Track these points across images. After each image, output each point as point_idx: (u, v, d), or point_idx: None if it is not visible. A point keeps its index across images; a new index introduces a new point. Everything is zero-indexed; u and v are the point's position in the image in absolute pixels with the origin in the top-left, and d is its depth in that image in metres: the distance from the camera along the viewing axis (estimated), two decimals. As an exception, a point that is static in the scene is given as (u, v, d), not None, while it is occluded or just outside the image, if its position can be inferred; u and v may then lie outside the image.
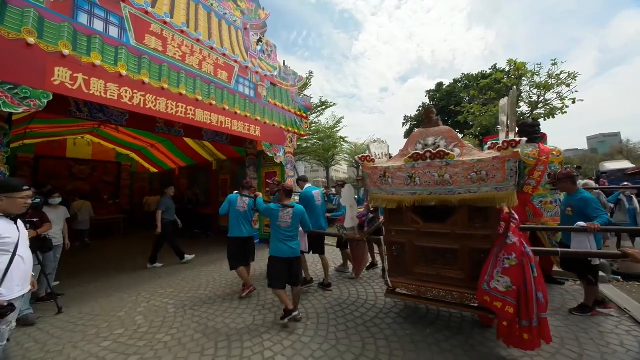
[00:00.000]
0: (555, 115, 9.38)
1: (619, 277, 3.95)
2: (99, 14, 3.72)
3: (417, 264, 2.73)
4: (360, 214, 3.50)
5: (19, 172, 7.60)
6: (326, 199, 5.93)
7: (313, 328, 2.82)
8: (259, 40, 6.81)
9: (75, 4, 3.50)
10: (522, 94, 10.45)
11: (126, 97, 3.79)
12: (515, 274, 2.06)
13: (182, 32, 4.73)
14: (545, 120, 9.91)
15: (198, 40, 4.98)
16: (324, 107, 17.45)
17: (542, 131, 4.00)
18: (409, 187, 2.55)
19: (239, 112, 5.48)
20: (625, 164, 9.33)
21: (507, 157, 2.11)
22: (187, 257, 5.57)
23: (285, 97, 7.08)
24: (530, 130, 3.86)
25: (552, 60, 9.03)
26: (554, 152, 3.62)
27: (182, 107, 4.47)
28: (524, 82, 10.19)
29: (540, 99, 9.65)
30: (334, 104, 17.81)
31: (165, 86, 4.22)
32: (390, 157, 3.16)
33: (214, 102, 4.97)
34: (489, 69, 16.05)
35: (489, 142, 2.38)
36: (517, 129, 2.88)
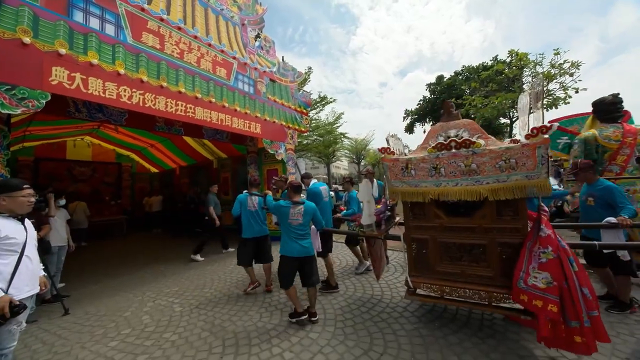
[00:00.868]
0: (558, 106, 9.29)
1: None
2: (94, 12, 3.67)
3: (440, 261, 2.57)
4: (377, 211, 3.35)
5: (20, 174, 7.58)
6: (333, 196, 5.83)
7: (320, 324, 2.81)
8: (257, 36, 6.74)
9: (70, 2, 3.45)
10: (523, 85, 10.33)
11: (125, 96, 3.75)
12: (554, 268, 1.91)
13: (180, 29, 4.67)
14: (547, 111, 9.83)
15: (196, 37, 4.92)
16: (324, 103, 17.35)
17: (624, 108, 3.52)
18: (434, 178, 2.43)
19: (238, 109, 5.43)
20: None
21: (537, 144, 2.02)
22: (198, 258, 5.59)
23: (285, 93, 7.02)
24: (611, 109, 3.40)
25: (554, 49, 8.91)
26: None
27: (181, 105, 4.43)
28: (526, 73, 10.07)
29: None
30: (334, 100, 17.71)
31: (164, 84, 4.17)
32: (405, 154, 3.06)
33: (213, 100, 4.92)
34: (490, 61, 15.87)
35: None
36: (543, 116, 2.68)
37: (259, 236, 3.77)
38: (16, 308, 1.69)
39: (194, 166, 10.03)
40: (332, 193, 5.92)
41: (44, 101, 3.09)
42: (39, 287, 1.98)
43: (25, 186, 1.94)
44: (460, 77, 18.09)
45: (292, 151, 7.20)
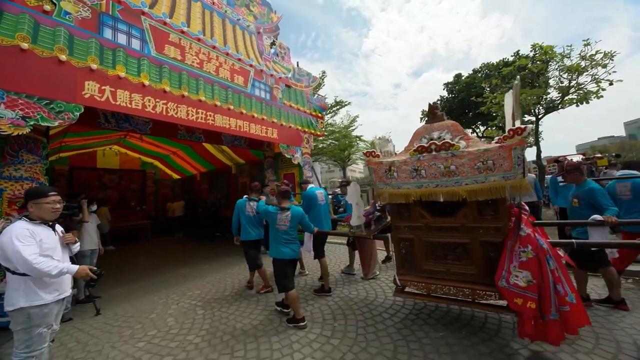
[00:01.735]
0: (589, 101, 8.66)
1: None
2: (122, 28, 3.89)
3: (426, 260, 2.68)
4: (366, 212, 3.48)
5: (56, 182, 8.15)
6: (333, 200, 5.93)
7: (341, 329, 2.75)
8: (272, 43, 6.87)
9: (100, 20, 3.68)
10: (549, 80, 9.77)
11: (149, 106, 3.93)
12: (533, 267, 2.00)
13: (199, 40, 4.85)
14: (577, 106, 9.20)
15: (214, 47, 5.09)
16: (338, 107, 17.36)
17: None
18: (415, 180, 2.53)
19: (256, 115, 5.54)
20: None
21: (513, 145, 2.07)
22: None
23: (300, 98, 7.09)
24: None
25: (584, 40, 8.34)
26: None
27: (201, 113, 4.58)
28: (552, 67, 9.51)
29: (571, 84, 8.95)
30: (349, 103, 17.67)
31: (185, 93, 4.33)
32: (395, 154, 3.10)
33: (231, 107, 5.06)
34: (511, 56, 15.19)
35: (496, 138, 2.29)
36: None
37: (258, 239, 3.95)
38: (97, 272, 2.01)
39: (214, 172, 10.34)
40: (331, 197, 6.04)
41: (78, 113, 3.30)
42: (69, 291, 2.08)
43: (51, 193, 1.99)
44: (480, 75, 17.45)
45: (308, 155, 7.22)
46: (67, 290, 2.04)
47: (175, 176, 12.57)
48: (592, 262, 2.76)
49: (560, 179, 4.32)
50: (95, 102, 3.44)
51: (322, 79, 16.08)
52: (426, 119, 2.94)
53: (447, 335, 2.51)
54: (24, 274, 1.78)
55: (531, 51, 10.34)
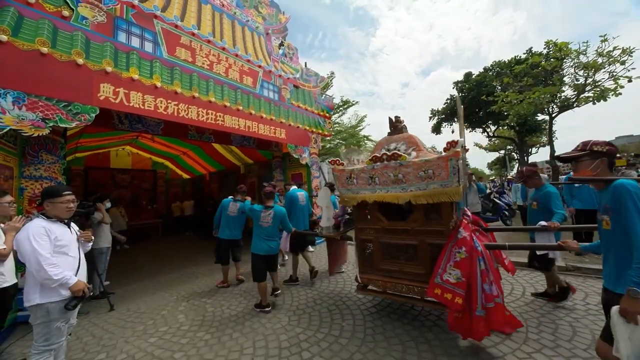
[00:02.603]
0: (607, 98, 8.34)
1: None
2: (135, 32, 4.00)
3: (382, 260, 2.91)
4: (335, 215, 3.76)
5: (73, 182, 8.43)
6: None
7: (349, 329, 2.75)
8: (281, 44, 6.92)
9: (115, 24, 3.79)
10: (564, 78, 9.46)
11: (161, 107, 4.03)
12: (465, 266, 2.21)
13: (209, 41, 4.93)
14: (594, 104, 8.87)
15: (224, 49, 5.16)
16: (346, 107, 17.31)
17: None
18: (370, 186, 2.80)
19: (264, 115, 5.59)
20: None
21: (449, 156, 2.29)
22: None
23: (308, 99, 7.11)
24: None
25: (601, 36, 8.04)
26: None
27: (211, 113, 4.66)
28: (567, 64, 9.20)
29: (588, 81, 8.64)
30: (357, 103, 17.58)
31: (196, 95, 4.42)
32: (359, 162, 3.38)
33: (240, 108, 5.12)
34: (524, 54, 14.80)
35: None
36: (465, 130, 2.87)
37: (230, 239, 4.22)
38: (90, 292, 1.95)
39: (223, 172, 10.48)
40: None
41: (94, 115, 3.41)
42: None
43: (65, 192, 2.04)
44: (491, 73, 17.06)
45: (316, 155, 7.24)
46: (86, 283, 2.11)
47: (185, 176, 12.80)
48: (545, 263, 3.01)
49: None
50: (110, 103, 3.55)
51: (330, 80, 16.07)
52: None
53: (457, 337, 2.47)
54: None
55: (545, 48, 10.04)
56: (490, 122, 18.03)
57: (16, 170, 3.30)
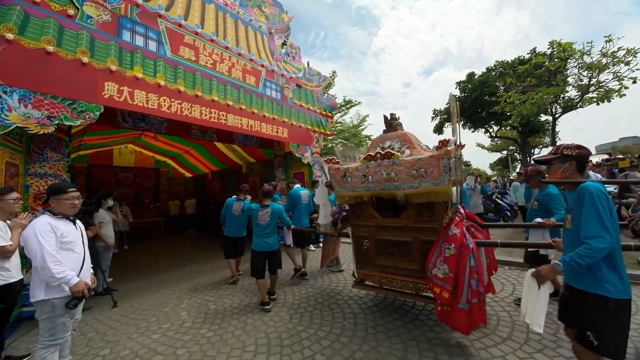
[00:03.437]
0: (611, 99, 8.30)
1: None
2: (139, 31, 4.02)
3: (377, 256, 2.96)
4: (332, 212, 3.82)
5: (76, 180, 8.48)
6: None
7: (351, 328, 2.77)
8: (284, 43, 6.93)
9: (119, 23, 3.81)
10: (567, 78, 9.42)
11: (165, 105, 4.05)
12: (453, 262, 2.26)
13: (212, 41, 4.95)
14: (598, 104, 8.83)
15: (227, 48, 5.18)
16: (348, 106, 17.31)
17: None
18: (364, 184, 2.82)
19: (267, 115, 5.61)
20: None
21: (440, 155, 2.32)
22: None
23: (311, 98, 7.12)
24: None
25: (605, 36, 8.00)
26: None
27: (214, 112, 4.68)
28: (571, 64, 9.17)
29: (592, 82, 8.60)
30: (359, 103, 17.59)
31: (199, 94, 4.43)
32: (356, 159, 3.38)
33: (243, 107, 5.13)
34: (527, 54, 14.74)
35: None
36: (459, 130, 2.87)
37: (236, 236, 4.36)
38: (90, 291, 2.00)
39: (225, 171, 10.51)
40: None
41: (98, 113, 3.44)
42: (89, 283, 2.13)
43: (70, 189, 2.07)
44: (494, 73, 17.00)
45: (318, 154, 7.25)
46: (87, 282, 2.13)
47: (188, 174, 12.84)
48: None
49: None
50: (114, 102, 3.57)
51: (333, 79, 16.07)
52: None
53: (459, 337, 2.48)
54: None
55: (549, 48, 10.01)
56: (492, 122, 17.99)
57: (22, 167, 3.34)
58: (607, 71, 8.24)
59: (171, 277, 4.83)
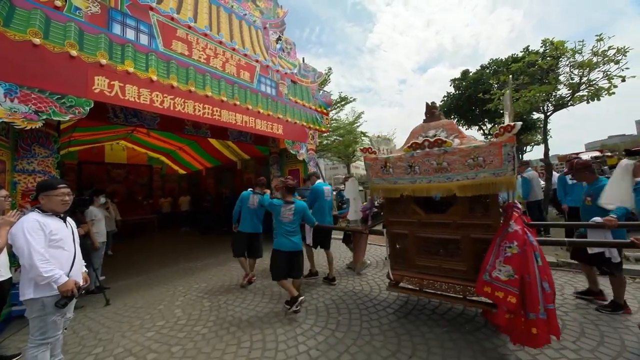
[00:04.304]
0: (601, 97, 8.45)
1: None
2: (130, 24, 3.92)
3: (418, 256, 2.73)
4: (363, 207, 3.56)
5: (66, 177, 8.30)
6: (336, 196, 5.94)
7: (346, 323, 2.79)
8: (278, 39, 6.84)
9: (109, 15, 3.71)
10: (559, 76, 9.53)
11: (157, 101, 3.98)
12: (517, 262, 1.99)
13: (206, 35, 4.86)
14: (588, 103, 8.97)
15: (221, 43, 5.10)
16: (343, 103, 17.26)
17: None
18: (409, 175, 2.59)
19: (261, 111, 5.56)
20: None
21: (503, 142, 2.09)
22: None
23: (306, 94, 7.07)
24: None
25: (596, 35, 8.09)
26: None
27: (208, 108, 4.61)
28: (563, 63, 9.27)
29: (582, 80, 8.72)
30: (354, 99, 17.55)
31: (192, 89, 4.36)
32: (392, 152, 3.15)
33: (237, 102, 5.08)
34: (521, 52, 14.85)
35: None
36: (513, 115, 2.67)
37: (252, 232, 4.07)
38: (81, 290, 1.97)
39: (219, 167, 10.42)
40: (334, 193, 6.03)
41: (88, 108, 3.36)
42: (81, 281, 2.09)
43: (60, 185, 2.02)
44: (488, 71, 17.11)
45: (313, 151, 7.23)
46: (79, 280, 2.10)
47: (181, 171, 12.70)
48: (607, 266, 2.68)
49: (569, 177, 4.27)
50: (104, 97, 3.49)
51: (328, 76, 15.99)
52: (424, 118, 2.96)
53: (451, 331, 2.52)
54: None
55: (541, 46, 10.09)
56: (486, 119, 18.14)
57: (9, 163, 3.25)
58: (597, 70, 8.36)
59: (165, 275, 4.79)
